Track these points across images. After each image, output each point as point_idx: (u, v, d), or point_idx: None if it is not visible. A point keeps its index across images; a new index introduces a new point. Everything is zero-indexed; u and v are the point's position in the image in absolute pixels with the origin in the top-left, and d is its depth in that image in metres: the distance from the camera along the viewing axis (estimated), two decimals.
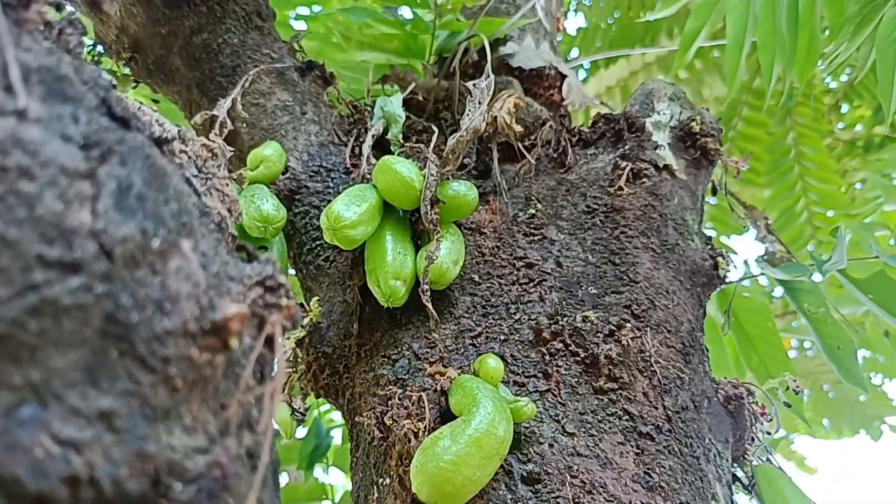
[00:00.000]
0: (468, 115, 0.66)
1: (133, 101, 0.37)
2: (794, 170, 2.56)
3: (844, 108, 2.91)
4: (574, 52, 2.89)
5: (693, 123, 0.78)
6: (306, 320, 0.68)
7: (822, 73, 2.47)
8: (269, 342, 0.29)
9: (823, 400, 3.41)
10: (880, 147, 2.66)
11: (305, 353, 0.69)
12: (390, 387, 0.60)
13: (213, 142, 0.68)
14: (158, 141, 0.30)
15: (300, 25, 1.77)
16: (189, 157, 0.37)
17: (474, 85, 0.70)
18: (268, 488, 0.27)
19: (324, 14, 1.76)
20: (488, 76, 0.71)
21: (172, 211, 0.26)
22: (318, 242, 0.74)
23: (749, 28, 1.11)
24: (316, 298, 0.69)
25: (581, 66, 2.57)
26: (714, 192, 0.92)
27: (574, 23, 2.96)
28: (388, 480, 0.57)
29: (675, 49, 2.30)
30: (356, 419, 0.62)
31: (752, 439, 0.68)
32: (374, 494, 0.58)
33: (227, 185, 0.38)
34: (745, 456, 0.67)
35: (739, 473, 0.68)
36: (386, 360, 0.63)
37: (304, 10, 1.74)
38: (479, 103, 0.67)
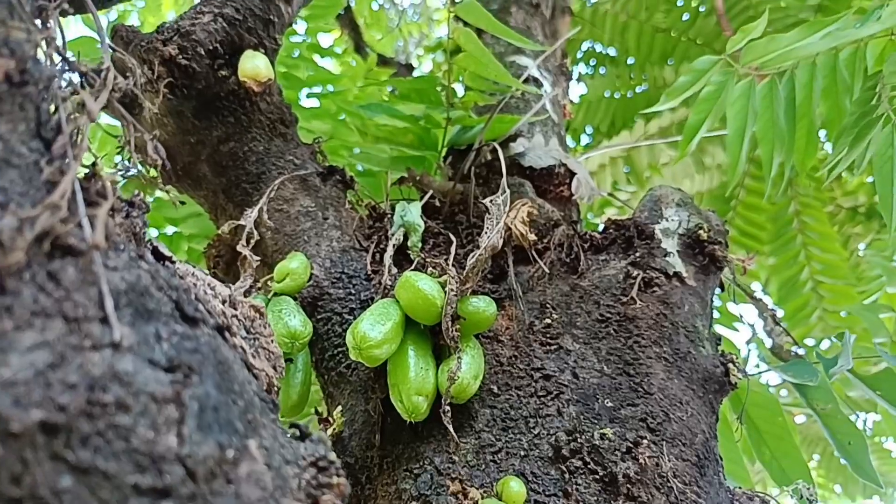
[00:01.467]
0: (486, 232, 0.69)
1: (185, 268, 0.40)
2: (797, 239, 2.59)
3: (845, 174, 2.95)
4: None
5: (701, 231, 0.81)
6: (329, 431, 0.70)
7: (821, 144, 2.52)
8: None
9: (835, 466, 3.37)
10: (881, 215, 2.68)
11: None
12: (413, 502, 0.61)
13: (242, 251, 0.71)
14: (220, 329, 0.32)
15: (312, 102, 1.83)
16: (239, 320, 0.39)
17: (491, 201, 0.73)
18: None
19: (335, 93, 1.83)
20: (504, 191, 0.75)
21: (240, 409, 0.29)
22: (339, 349, 0.76)
23: (749, 121, 1.16)
24: (339, 409, 0.71)
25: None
26: (722, 287, 0.95)
27: (576, 90, 3.03)
28: None
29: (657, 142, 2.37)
30: None
31: None
32: None
33: (272, 341, 0.41)
34: None
35: None
36: (408, 473, 0.65)
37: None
38: (497, 220, 0.71)
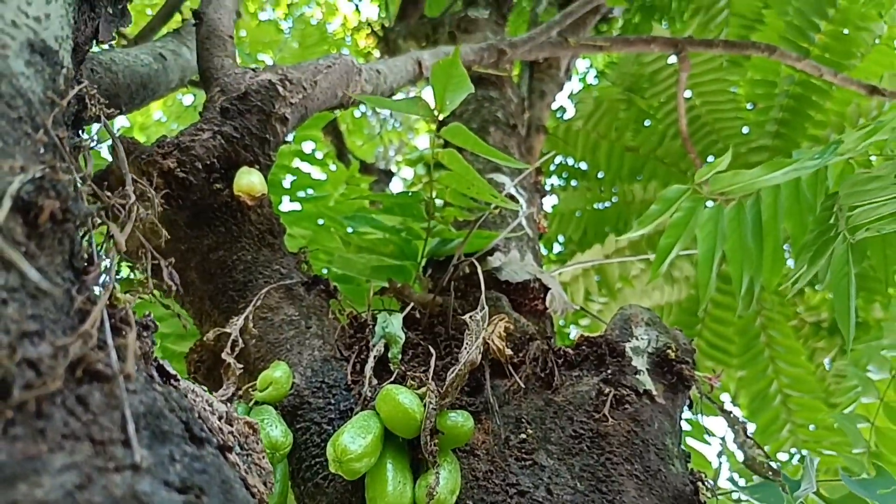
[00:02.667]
0: (466, 348, 0.72)
1: (186, 385, 0.42)
2: (765, 353, 2.65)
3: (807, 290, 3.06)
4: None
5: (669, 350, 0.85)
6: None
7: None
8: None
9: None
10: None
11: None
12: None
13: (226, 359, 0.73)
14: (222, 449, 0.35)
15: (293, 206, 1.89)
16: (235, 437, 0.41)
17: (471, 317, 0.77)
18: None
19: (317, 197, 1.89)
20: (483, 307, 0.79)
21: None
22: (317, 460, 0.77)
23: (718, 242, 1.22)
24: None
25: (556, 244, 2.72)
26: (691, 406, 0.98)
27: (549, 201, 3.16)
28: None
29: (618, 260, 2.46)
30: None
31: None
32: None
33: (263, 457, 0.43)
34: None
35: None
36: None
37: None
38: (476, 336, 0.74)
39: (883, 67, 2.37)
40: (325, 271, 1.40)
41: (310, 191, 1.92)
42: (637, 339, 0.87)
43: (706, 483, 0.78)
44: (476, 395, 0.85)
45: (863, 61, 2.43)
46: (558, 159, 3.04)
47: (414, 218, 1.20)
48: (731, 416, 1.12)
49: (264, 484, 0.41)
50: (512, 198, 1.36)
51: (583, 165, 2.98)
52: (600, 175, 2.92)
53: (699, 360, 2.75)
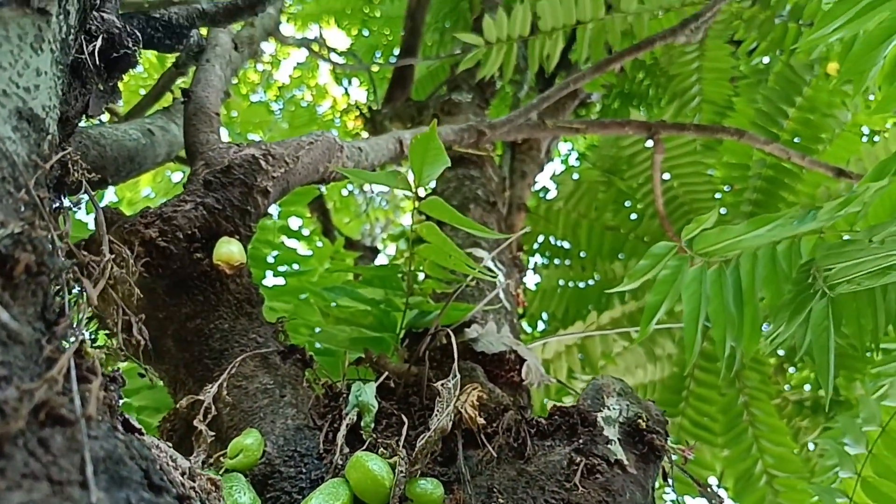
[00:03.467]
0: (437, 415, 0.73)
1: (151, 441, 0.43)
2: (749, 431, 2.64)
3: (790, 368, 3.09)
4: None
5: (640, 420, 0.86)
6: None
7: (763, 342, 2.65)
8: None
9: None
10: (828, 408, 2.81)
11: None
12: None
13: (198, 426, 0.73)
14: (181, 499, 0.35)
15: (277, 280, 1.90)
16: (196, 492, 0.42)
17: (443, 385, 0.78)
18: None
19: (301, 272, 1.91)
20: (455, 376, 0.80)
21: None
22: None
23: (703, 303, 1.25)
24: None
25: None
26: (666, 478, 0.97)
27: (533, 279, 3.20)
28: None
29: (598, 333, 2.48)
30: None
31: None
32: None
33: None
34: None
35: None
36: None
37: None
38: (447, 404, 0.75)
39: (849, 152, 2.47)
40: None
41: (295, 266, 1.95)
42: (609, 408, 0.88)
43: None
44: (449, 464, 0.85)
45: (830, 146, 2.54)
46: (541, 238, 3.10)
47: (393, 290, 1.22)
48: (709, 490, 1.11)
49: None
50: (489, 270, 1.39)
51: (565, 244, 3.04)
52: (583, 254, 2.98)
53: (683, 438, 2.74)
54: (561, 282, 2.97)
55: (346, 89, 4.95)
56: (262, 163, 0.96)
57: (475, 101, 2.59)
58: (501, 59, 2.32)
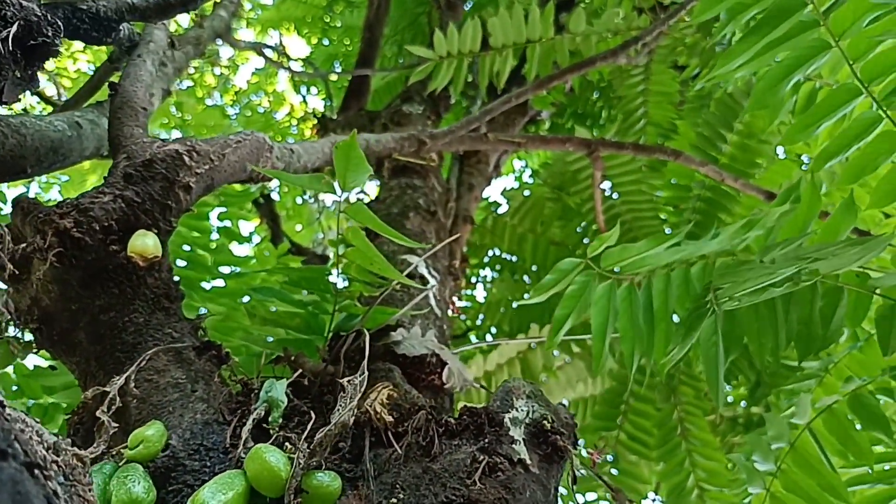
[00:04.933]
0: (339, 410, 0.74)
1: (17, 415, 0.43)
2: (682, 446, 2.69)
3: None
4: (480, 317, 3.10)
5: (545, 422, 0.88)
6: None
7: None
8: None
9: None
10: (758, 424, 2.89)
11: None
12: None
13: (101, 416, 0.73)
14: (30, 466, 0.36)
15: (218, 282, 1.89)
16: (59, 467, 0.42)
17: (349, 381, 0.79)
18: None
19: (240, 275, 1.90)
20: (363, 373, 0.81)
21: None
22: None
23: (611, 319, 1.28)
24: None
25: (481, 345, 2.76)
26: (574, 482, 1.00)
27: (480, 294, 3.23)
28: None
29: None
30: None
31: None
32: None
33: (90, 490, 0.44)
34: None
35: None
36: None
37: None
38: (351, 399, 0.76)
39: (783, 177, 2.56)
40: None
41: (237, 269, 1.94)
42: (517, 410, 0.90)
43: None
44: (357, 462, 0.86)
45: (767, 171, 2.63)
46: (491, 252, 3.14)
47: (321, 292, 1.23)
48: (619, 493, 1.14)
49: None
50: (422, 278, 1.41)
51: (514, 258, 3.08)
52: (535, 268, 3.02)
53: (620, 451, 2.78)
54: (507, 295, 3.01)
55: (304, 97, 4.94)
56: (186, 158, 0.96)
57: (426, 113, 2.62)
58: (451, 74, 2.36)
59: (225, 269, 1.89)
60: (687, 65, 2.69)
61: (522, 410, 0.90)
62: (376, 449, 0.88)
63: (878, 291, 1.33)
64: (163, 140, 0.99)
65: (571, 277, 1.27)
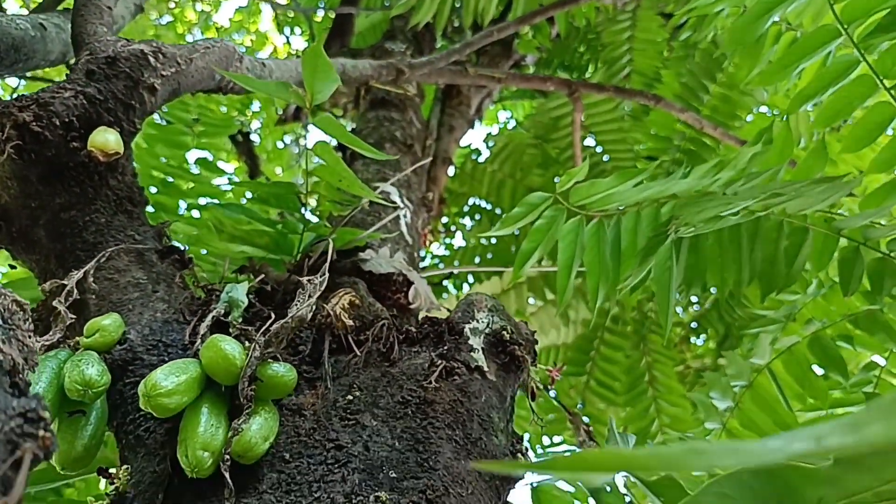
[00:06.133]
0: (296, 304, 0.74)
1: None
2: (648, 392, 2.75)
3: (695, 340, 3.22)
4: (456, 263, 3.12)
5: (504, 332, 0.89)
6: (111, 488, 0.69)
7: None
8: (18, 466, 0.33)
9: None
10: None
11: None
12: None
13: (58, 307, 0.72)
14: None
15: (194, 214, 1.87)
16: None
17: (309, 280, 0.79)
18: None
19: (217, 206, 1.88)
20: (324, 274, 0.81)
21: None
22: (141, 414, 0.76)
23: (577, 253, 1.29)
24: (125, 467, 0.71)
25: (453, 275, 2.77)
26: (533, 397, 1.02)
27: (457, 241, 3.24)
28: None
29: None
30: None
31: None
32: None
33: (29, 337, 0.43)
34: None
35: None
36: None
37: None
38: (309, 296, 0.76)
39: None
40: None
41: (214, 200, 1.92)
42: (477, 321, 0.91)
43: (526, 455, 0.81)
44: (317, 366, 0.87)
45: (747, 124, 2.63)
46: (471, 201, 3.14)
47: (290, 210, 1.22)
48: (575, 415, 1.16)
49: (25, 360, 0.42)
50: (392, 202, 1.41)
51: (498, 211, 3.08)
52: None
53: (589, 398, 2.83)
54: (483, 241, 3.02)
55: (287, 38, 4.84)
56: (152, 59, 0.94)
57: (408, 52, 2.57)
58: (434, 9, 2.31)
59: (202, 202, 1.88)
60: (674, 13, 2.67)
61: (483, 322, 0.91)
62: (336, 355, 0.89)
63: (843, 233, 1.34)
64: (127, 40, 0.97)
65: (540, 211, 1.28)
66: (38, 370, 0.68)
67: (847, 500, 0.43)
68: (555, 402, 1.20)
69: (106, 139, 0.85)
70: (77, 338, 0.76)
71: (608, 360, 2.77)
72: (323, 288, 0.79)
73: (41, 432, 0.35)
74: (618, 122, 2.69)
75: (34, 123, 0.85)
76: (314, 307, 0.78)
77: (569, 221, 1.24)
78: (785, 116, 1.61)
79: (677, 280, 1.16)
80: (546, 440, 2.74)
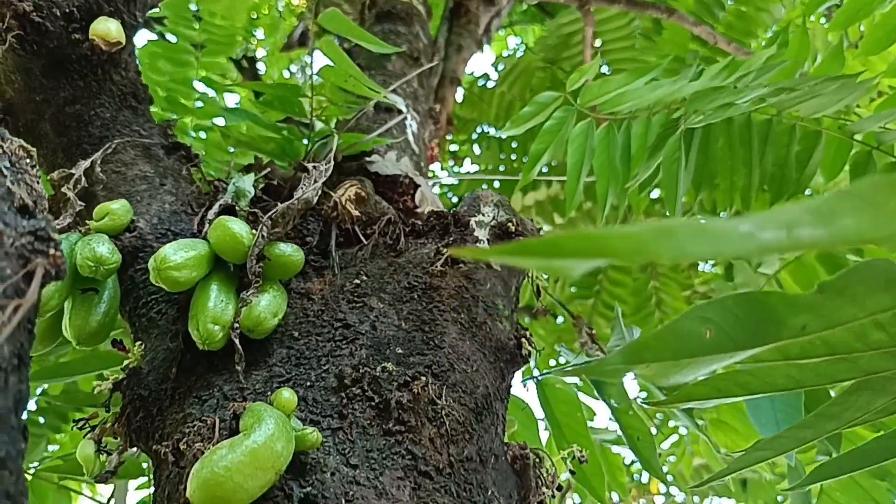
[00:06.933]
0: (302, 188, 0.75)
1: None
2: (655, 315, 2.77)
3: (702, 266, 3.23)
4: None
5: (510, 224, 0.89)
6: (126, 363, 0.71)
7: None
8: (30, 279, 0.34)
9: None
10: None
11: (122, 396, 0.71)
12: (195, 423, 0.63)
13: (67, 193, 0.73)
14: None
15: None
16: (4, 152, 0.42)
17: (314, 167, 0.79)
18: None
19: (225, 127, 1.87)
20: (329, 162, 0.81)
21: None
22: (153, 297, 0.78)
23: (587, 157, 1.28)
24: (139, 343, 0.73)
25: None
26: (538, 294, 1.03)
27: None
28: None
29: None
30: (159, 456, 0.64)
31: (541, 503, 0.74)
32: None
33: (38, 182, 0.44)
34: None
35: None
36: (196, 400, 0.67)
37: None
38: (315, 181, 0.76)
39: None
40: None
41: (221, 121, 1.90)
42: (483, 214, 0.91)
43: (530, 340, 0.83)
44: (325, 257, 0.88)
45: (763, 41, 2.57)
46: (479, 129, 3.11)
47: (295, 114, 1.21)
48: (578, 318, 1.18)
49: (34, 203, 0.42)
50: (401, 118, 1.39)
51: (503, 134, 3.05)
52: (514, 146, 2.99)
53: (596, 319, 2.85)
54: (491, 167, 3.00)
55: None
56: None
57: None
58: None
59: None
60: None
61: (489, 215, 0.92)
62: (343, 248, 0.90)
63: (856, 138, 1.33)
64: None
65: (549, 111, 1.26)
66: None
67: (830, 330, 0.44)
68: (559, 305, 1.21)
69: (107, 27, 0.84)
70: (87, 223, 0.77)
71: (615, 283, 2.79)
72: (328, 174, 0.79)
73: (51, 251, 0.35)
74: (630, 40, 2.62)
75: (35, 14, 0.84)
76: (319, 192, 0.78)
77: (578, 125, 1.23)
78: (802, 18, 1.56)
79: (686, 180, 1.16)
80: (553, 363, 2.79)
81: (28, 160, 0.45)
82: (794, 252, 1.47)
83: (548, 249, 0.26)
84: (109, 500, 1.44)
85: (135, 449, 0.74)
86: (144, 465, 1.14)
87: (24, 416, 0.35)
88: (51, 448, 1.70)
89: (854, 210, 0.24)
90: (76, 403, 1.26)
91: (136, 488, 1.31)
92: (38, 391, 1.47)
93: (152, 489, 0.68)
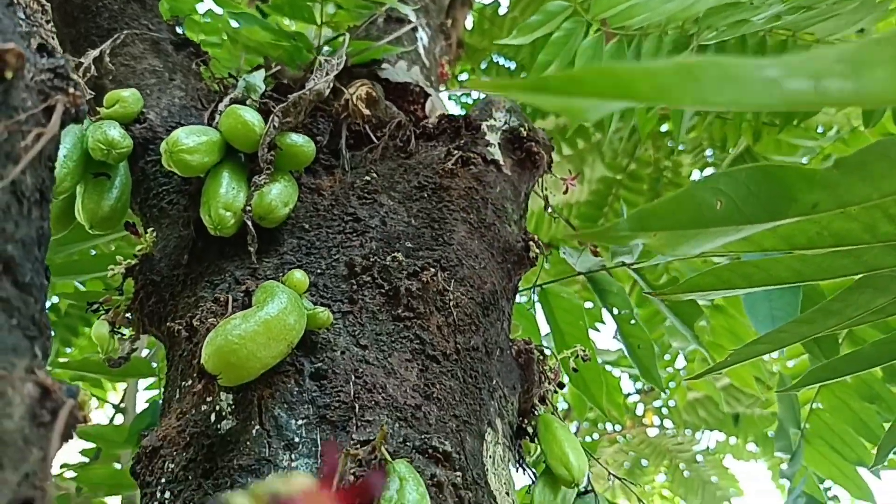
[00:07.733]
0: (314, 79, 0.74)
1: None
2: None
3: None
4: None
5: (522, 129, 0.89)
6: (139, 249, 0.72)
7: (688, 163, 2.74)
8: (50, 114, 0.34)
9: (679, 479, 3.60)
10: None
11: (135, 281, 0.73)
12: (208, 304, 0.64)
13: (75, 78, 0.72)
14: None
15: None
16: (18, 2, 0.42)
17: (326, 60, 0.78)
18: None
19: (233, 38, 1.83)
20: (341, 57, 0.80)
21: None
22: (164, 188, 0.78)
23: None
24: (151, 230, 0.73)
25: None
26: (547, 207, 1.03)
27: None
28: (189, 382, 0.60)
29: None
30: (172, 334, 0.66)
31: (542, 399, 0.76)
32: (176, 397, 0.62)
33: (53, 38, 0.44)
34: (535, 411, 0.75)
35: (530, 430, 0.75)
36: (208, 284, 0.68)
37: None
38: (327, 73, 0.75)
39: None
40: None
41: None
42: (495, 119, 0.91)
43: (538, 244, 0.83)
44: (336, 157, 0.88)
45: None
46: (489, 59, 3.05)
47: (305, 21, 1.19)
48: (591, 245, 1.18)
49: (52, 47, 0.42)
50: (411, 26, 1.36)
51: (512, 65, 2.99)
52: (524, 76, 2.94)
53: (603, 253, 2.86)
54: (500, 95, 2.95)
55: None
56: None
57: None
58: None
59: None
60: None
61: (501, 120, 0.91)
62: (353, 150, 0.89)
63: None
64: None
65: (558, 22, 1.24)
66: (62, 134, 0.68)
67: (841, 210, 0.44)
68: (564, 222, 1.22)
69: None
70: (98, 110, 0.77)
71: (619, 216, 2.78)
72: (340, 68, 0.78)
73: (71, 89, 0.35)
74: None
75: None
76: (331, 84, 0.78)
77: (588, 38, 1.21)
78: None
79: None
80: None
81: (41, 14, 0.44)
82: (819, 107, 1.45)
83: (568, 86, 0.25)
84: (121, 402, 1.48)
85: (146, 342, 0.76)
86: (154, 365, 1.16)
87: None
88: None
89: (890, 61, 0.24)
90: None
91: (146, 388, 1.34)
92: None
93: (165, 370, 0.70)
